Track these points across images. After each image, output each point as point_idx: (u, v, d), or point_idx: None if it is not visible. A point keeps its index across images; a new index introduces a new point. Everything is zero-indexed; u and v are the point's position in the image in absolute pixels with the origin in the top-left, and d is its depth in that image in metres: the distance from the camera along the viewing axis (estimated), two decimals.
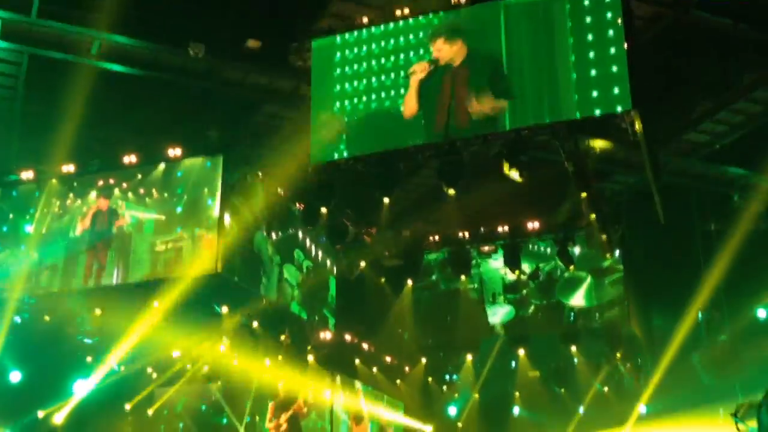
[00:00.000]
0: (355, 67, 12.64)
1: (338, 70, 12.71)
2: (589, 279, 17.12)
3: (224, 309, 15.98)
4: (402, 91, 12.21)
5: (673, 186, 14.18)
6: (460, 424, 20.87)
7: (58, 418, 16.32)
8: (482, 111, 11.62)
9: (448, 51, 11.98)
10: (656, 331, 16.39)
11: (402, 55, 12.36)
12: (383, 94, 12.42)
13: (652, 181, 13.22)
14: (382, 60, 12.47)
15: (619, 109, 10.89)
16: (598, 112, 11.07)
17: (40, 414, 15.85)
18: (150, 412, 18.77)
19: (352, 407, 19.17)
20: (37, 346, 16.31)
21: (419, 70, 11.96)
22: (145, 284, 15.02)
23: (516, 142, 12.69)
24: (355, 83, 12.62)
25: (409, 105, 12.13)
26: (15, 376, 15.97)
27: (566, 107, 11.34)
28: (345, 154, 13.21)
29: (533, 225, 16.46)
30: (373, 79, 12.49)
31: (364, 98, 12.53)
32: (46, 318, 15.95)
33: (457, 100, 11.85)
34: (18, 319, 15.57)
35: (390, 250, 17.89)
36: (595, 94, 11.08)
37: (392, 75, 12.37)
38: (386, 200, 15.13)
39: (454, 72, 11.90)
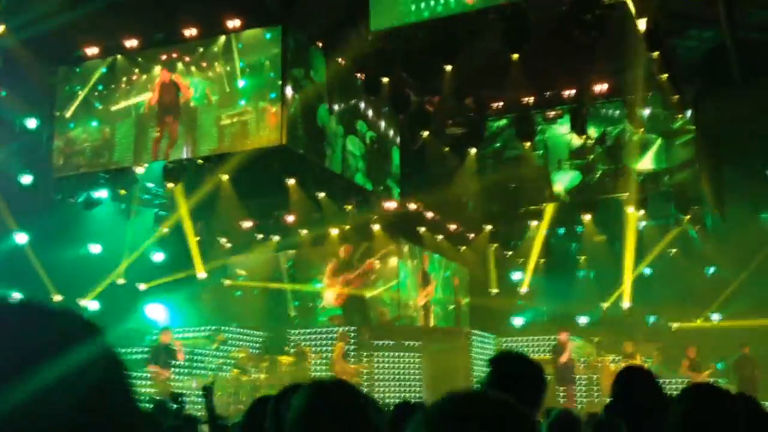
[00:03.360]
0: None
1: None
2: (658, 141, 16.70)
3: (291, 181, 16.29)
4: None
5: (749, 41, 13.44)
6: (523, 289, 21.18)
7: (141, 285, 17.24)
8: None
9: None
10: (727, 192, 16.01)
11: None
12: None
13: (727, 36, 12.61)
14: None
15: None
16: None
17: (121, 281, 16.68)
18: (226, 281, 19.61)
19: (419, 272, 19.64)
20: (115, 221, 17.05)
21: None
22: (213, 157, 15.41)
23: (583, 1, 12.23)
24: None
25: None
26: (96, 248, 16.70)
27: None
28: (406, 19, 12.94)
29: (601, 87, 15.97)
30: None
31: None
32: (122, 192, 16.52)
33: None
34: (94, 195, 16.17)
35: (453, 118, 17.70)
36: None
37: None
38: (449, 67, 14.89)
39: None
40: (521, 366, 2.92)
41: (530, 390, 2.76)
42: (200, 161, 15.70)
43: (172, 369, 13.85)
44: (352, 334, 16.33)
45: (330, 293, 19.00)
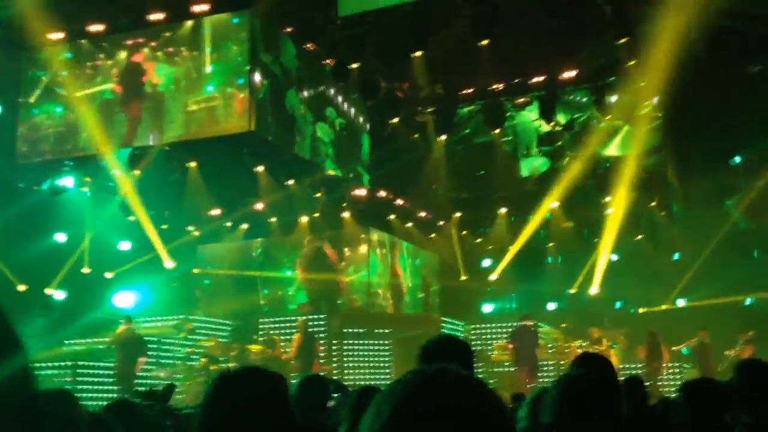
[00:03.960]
0: None
1: None
2: (625, 127, 16.85)
3: (260, 168, 16.16)
4: None
5: (718, 27, 13.57)
6: (494, 276, 21.32)
7: (108, 274, 17.01)
8: None
9: None
10: (693, 179, 16.22)
11: None
12: None
13: (694, 23, 12.72)
14: None
15: None
16: None
17: (86, 270, 16.42)
18: (195, 270, 19.44)
19: (387, 259, 19.64)
20: (80, 210, 16.77)
21: None
22: (180, 144, 15.20)
23: None
24: None
25: None
26: (61, 237, 16.46)
27: None
28: (375, 4, 12.89)
29: (569, 74, 16.04)
30: None
31: None
32: (87, 179, 16.25)
33: None
34: (59, 183, 15.91)
35: (423, 104, 17.69)
36: None
37: None
38: (418, 54, 14.86)
39: None
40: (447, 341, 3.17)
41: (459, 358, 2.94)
42: (167, 148, 15.49)
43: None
44: (322, 323, 16.30)
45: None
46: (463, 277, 20.87)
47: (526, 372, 14.87)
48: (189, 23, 14.39)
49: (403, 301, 19.97)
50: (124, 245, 17.57)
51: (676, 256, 18.45)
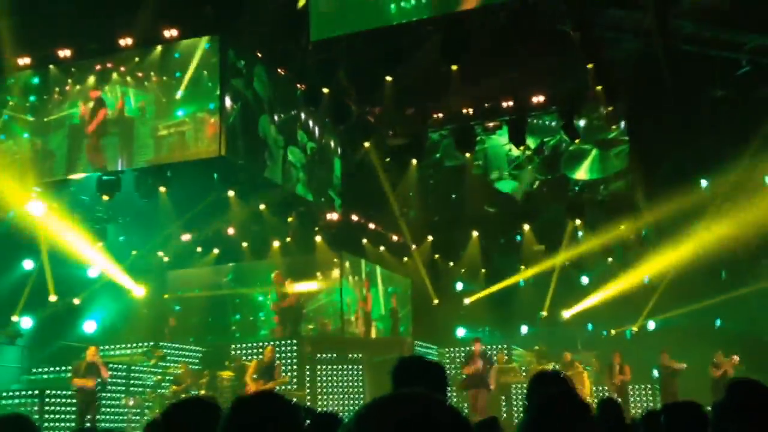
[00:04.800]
0: None
1: None
2: (594, 151, 17.07)
3: (231, 193, 16.08)
4: None
5: (681, 52, 13.84)
6: (467, 300, 21.38)
7: (75, 300, 16.76)
8: None
9: None
10: (661, 201, 16.41)
11: None
12: None
13: (660, 48, 12.96)
14: None
15: None
16: None
17: (53, 298, 16.11)
18: (165, 295, 19.24)
19: (359, 284, 19.59)
20: (47, 235, 16.52)
21: None
22: (150, 169, 15.08)
23: (522, 13, 12.43)
24: None
25: None
26: (28, 264, 16.22)
27: None
28: (346, 30, 12.96)
29: (538, 99, 16.23)
30: None
31: None
32: (54, 205, 16.02)
33: None
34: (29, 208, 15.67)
35: (394, 129, 17.77)
36: None
37: None
38: (389, 78, 14.94)
39: None
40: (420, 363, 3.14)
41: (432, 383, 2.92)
42: (136, 173, 15.36)
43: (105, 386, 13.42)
44: (293, 348, 16.18)
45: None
46: (435, 301, 20.86)
47: (474, 394, 14.70)
48: (159, 48, 14.34)
49: (375, 325, 19.89)
50: (93, 271, 17.33)
51: (646, 279, 18.60)
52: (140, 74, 14.38)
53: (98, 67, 14.60)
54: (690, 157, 15.28)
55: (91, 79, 14.63)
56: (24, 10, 12.49)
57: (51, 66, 14.70)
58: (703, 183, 16.78)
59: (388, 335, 20.21)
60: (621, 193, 17.17)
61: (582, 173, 17.49)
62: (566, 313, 19.52)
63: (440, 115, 17.19)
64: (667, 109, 14.32)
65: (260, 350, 16.45)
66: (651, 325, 18.98)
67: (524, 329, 21.12)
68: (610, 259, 19.31)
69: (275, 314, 18.49)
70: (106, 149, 14.69)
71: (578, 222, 17.96)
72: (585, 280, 19.27)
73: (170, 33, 14.08)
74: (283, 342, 16.31)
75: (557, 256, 18.69)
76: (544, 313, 20.13)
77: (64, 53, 14.39)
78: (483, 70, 14.22)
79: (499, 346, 17.75)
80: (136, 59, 14.41)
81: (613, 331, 19.95)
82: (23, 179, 14.96)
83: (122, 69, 14.46)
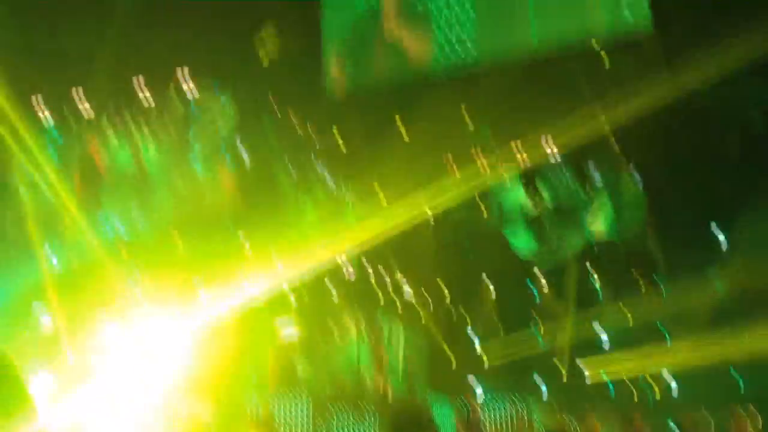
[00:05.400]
0: None
1: None
2: (607, 200, 17.00)
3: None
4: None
5: (696, 104, 13.91)
6: (483, 352, 21.03)
7: None
8: None
9: None
10: (675, 250, 16.26)
11: None
12: None
13: (674, 99, 13.03)
14: None
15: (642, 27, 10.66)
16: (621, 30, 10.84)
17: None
18: None
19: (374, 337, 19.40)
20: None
21: None
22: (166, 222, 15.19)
23: (534, 64, 12.60)
24: None
25: None
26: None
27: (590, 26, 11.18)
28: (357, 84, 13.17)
29: (551, 148, 16.28)
30: None
31: None
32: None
33: None
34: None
35: None
36: (617, 13, 10.87)
37: None
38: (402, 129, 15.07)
39: None
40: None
41: None
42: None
43: None
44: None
45: None
46: (451, 356, 20.56)
47: None
48: (176, 101, 14.63)
49: (389, 382, 19.61)
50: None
51: (661, 328, 18.26)
52: (156, 125, 14.65)
53: (117, 119, 14.89)
54: (706, 205, 15.19)
55: (110, 132, 14.90)
56: (43, 65, 12.84)
57: (68, 117, 15.01)
58: (720, 236, 16.63)
59: (403, 391, 19.88)
60: (635, 243, 17.02)
61: (597, 225, 17.39)
62: (585, 370, 19.14)
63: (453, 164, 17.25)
64: (684, 158, 14.31)
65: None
66: (666, 374, 18.56)
67: (542, 386, 20.74)
68: (624, 308, 19.02)
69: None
70: (122, 200, 14.88)
71: (594, 274, 17.79)
72: (599, 330, 18.93)
73: (187, 86, 14.38)
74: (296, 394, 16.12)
75: (572, 309, 18.46)
76: (563, 370, 19.76)
77: (82, 104, 14.71)
78: (496, 119, 14.34)
79: (516, 404, 17.42)
80: (153, 110, 14.69)
81: (633, 390, 19.52)
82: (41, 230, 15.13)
83: (139, 120, 14.74)
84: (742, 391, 16.88)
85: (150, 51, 13.23)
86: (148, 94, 14.24)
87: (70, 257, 15.19)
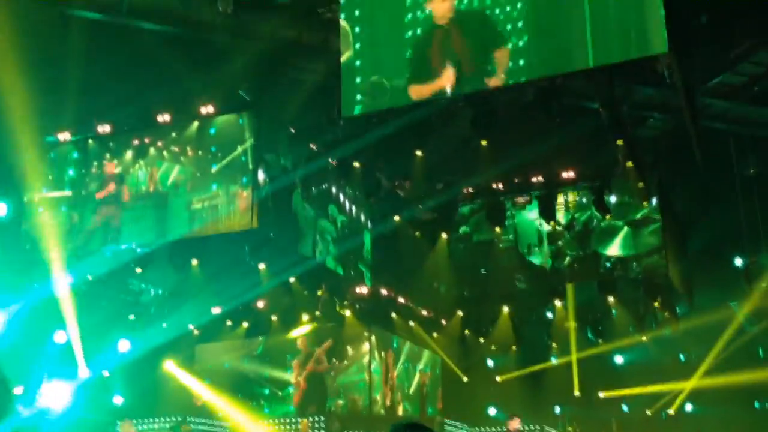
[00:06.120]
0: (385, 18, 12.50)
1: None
2: (625, 228, 16.93)
3: (261, 266, 16.16)
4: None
5: (711, 130, 13.86)
6: (498, 378, 21.02)
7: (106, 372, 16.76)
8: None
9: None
10: (695, 279, 16.17)
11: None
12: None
13: (690, 125, 12.97)
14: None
15: (655, 52, 10.63)
16: (634, 55, 10.81)
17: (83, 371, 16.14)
18: (194, 368, 19.19)
19: (387, 359, 19.37)
20: (82, 305, 16.68)
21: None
22: (184, 242, 15.28)
23: (549, 91, 12.56)
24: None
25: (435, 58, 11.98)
26: (61, 336, 16.31)
27: (603, 52, 11.15)
28: (376, 106, 13.20)
29: (568, 174, 16.27)
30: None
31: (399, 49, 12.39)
32: (89, 277, 16.25)
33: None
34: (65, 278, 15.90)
35: (424, 203, 17.86)
36: (631, 37, 10.82)
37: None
38: (419, 152, 15.12)
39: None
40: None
41: None
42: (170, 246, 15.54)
43: None
44: (322, 424, 15.94)
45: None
46: (465, 379, 20.52)
47: None
48: (195, 124, 14.73)
49: (404, 402, 19.57)
50: (123, 344, 17.39)
51: (681, 358, 18.18)
52: (177, 148, 14.74)
53: (136, 141, 15.01)
54: (724, 235, 15.09)
55: (129, 154, 15.02)
56: (64, 88, 12.96)
57: (90, 141, 15.15)
58: (738, 262, 16.51)
59: (416, 414, 19.83)
60: (654, 270, 16.92)
61: (614, 249, 17.32)
62: (601, 393, 19.04)
63: (470, 189, 17.28)
64: (699, 186, 14.24)
65: (288, 425, 16.27)
66: (688, 406, 18.42)
67: (557, 409, 20.62)
68: (644, 338, 18.92)
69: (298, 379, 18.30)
70: (140, 221, 14.94)
71: (611, 299, 17.72)
72: (619, 359, 18.85)
73: (206, 109, 14.48)
74: (310, 418, 16.09)
75: (589, 334, 18.40)
76: (577, 393, 19.67)
77: (104, 128, 14.87)
78: (513, 145, 14.32)
79: (532, 427, 17.30)
80: (173, 134, 14.80)
81: (648, 412, 19.40)
82: (59, 251, 15.24)
83: (159, 144, 14.84)
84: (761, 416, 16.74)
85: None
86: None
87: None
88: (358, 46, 12.64)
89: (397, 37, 12.43)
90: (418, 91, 12.07)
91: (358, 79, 12.76)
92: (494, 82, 11.33)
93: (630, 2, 10.83)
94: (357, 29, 12.47)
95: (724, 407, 16.73)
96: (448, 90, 11.87)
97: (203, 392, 18.98)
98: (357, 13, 12.53)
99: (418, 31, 12.05)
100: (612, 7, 11.10)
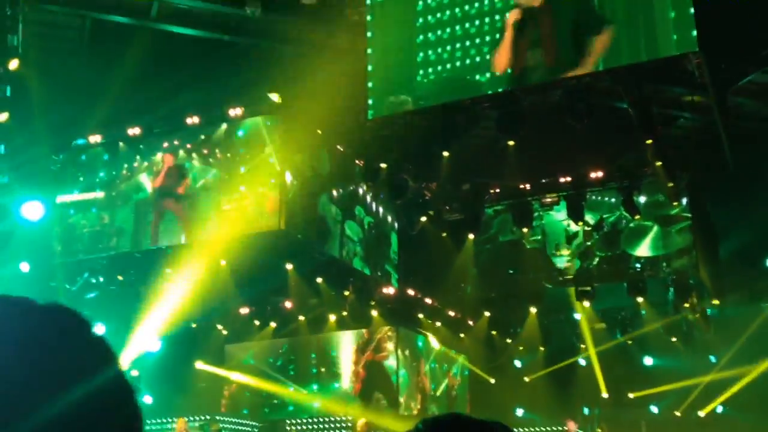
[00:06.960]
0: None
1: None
2: (655, 228, 16.76)
3: (289, 266, 16.26)
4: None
5: (741, 129, 13.69)
6: (526, 378, 20.94)
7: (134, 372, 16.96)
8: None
9: None
10: (726, 281, 15.97)
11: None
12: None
13: (719, 125, 12.83)
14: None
15: (685, 51, 10.55)
16: (663, 55, 10.74)
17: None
18: (222, 367, 19.35)
19: (415, 360, 19.38)
20: (111, 305, 16.89)
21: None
22: (211, 242, 15.40)
23: (576, 90, 12.49)
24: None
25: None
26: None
27: (631, 51, 11.09)
28: (405, 107, 13.22)
29: (596, 174, 16.14)
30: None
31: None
32: (119, 277, 16.45)
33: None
34: (92, 279, 16.11)
35: (450, 204, 17.84)
36: (660, 37, 10.75)
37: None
38: (446, 153, 15.09)
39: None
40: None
41: None
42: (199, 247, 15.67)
43: None
44: (348, 423, 16.00)
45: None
46: (492, 380, 20.47)
47: None
48: (224, 126, 14.85)
49: (431, 402, 19.57)
50: (153, 343, 17.59)
51: (712, 359, 17.97)
52: (206, 150, 14.86)
53: (165, 144, 15.16)
54: (755, 236, 14.89)
55: (158, 156, 15.17)
56: (95, 91, 13.13)
57: (120, 143, 15.33)
58: None
59: (447, 413, 19.79)
60: (684, 271, 16.75)
61: (643, 250, 17.15)
62: (630, 394, 18.89)
63: (497, 190, 17.22)
64: (730, 186, 14.06)
65: (313, 426, 16.34)
66: (719, 408, 18.21)
67: (585, 410, 20.50)
68: (674, 339, 18.73)
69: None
70: (170, 223, 15.09)
71: (640, 300, 17.55)
72: (648, 360, 18.68)
73: (235, 112, 14.59)
74: (337, 418, 16.15)
75: (619, 335, 18.26)
76: (605, 395, 19.53)
77: (134, 131, 15.04)
78: (540, 145, 14.25)
79: (561, 428, 17.23)
80: (202, 136, 14.93)
81: (678, 413, 19.21)
82: (89, 252, 15.44)
83: (188, 146, 14.98)
84: None
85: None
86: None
87: None
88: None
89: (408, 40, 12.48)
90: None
91: (384, 81, 12.81)
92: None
93: (660, 2, 10.78)
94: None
95: (756, 410, 16.50)
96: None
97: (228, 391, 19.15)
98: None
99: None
100: (642, 5, 11.07)
